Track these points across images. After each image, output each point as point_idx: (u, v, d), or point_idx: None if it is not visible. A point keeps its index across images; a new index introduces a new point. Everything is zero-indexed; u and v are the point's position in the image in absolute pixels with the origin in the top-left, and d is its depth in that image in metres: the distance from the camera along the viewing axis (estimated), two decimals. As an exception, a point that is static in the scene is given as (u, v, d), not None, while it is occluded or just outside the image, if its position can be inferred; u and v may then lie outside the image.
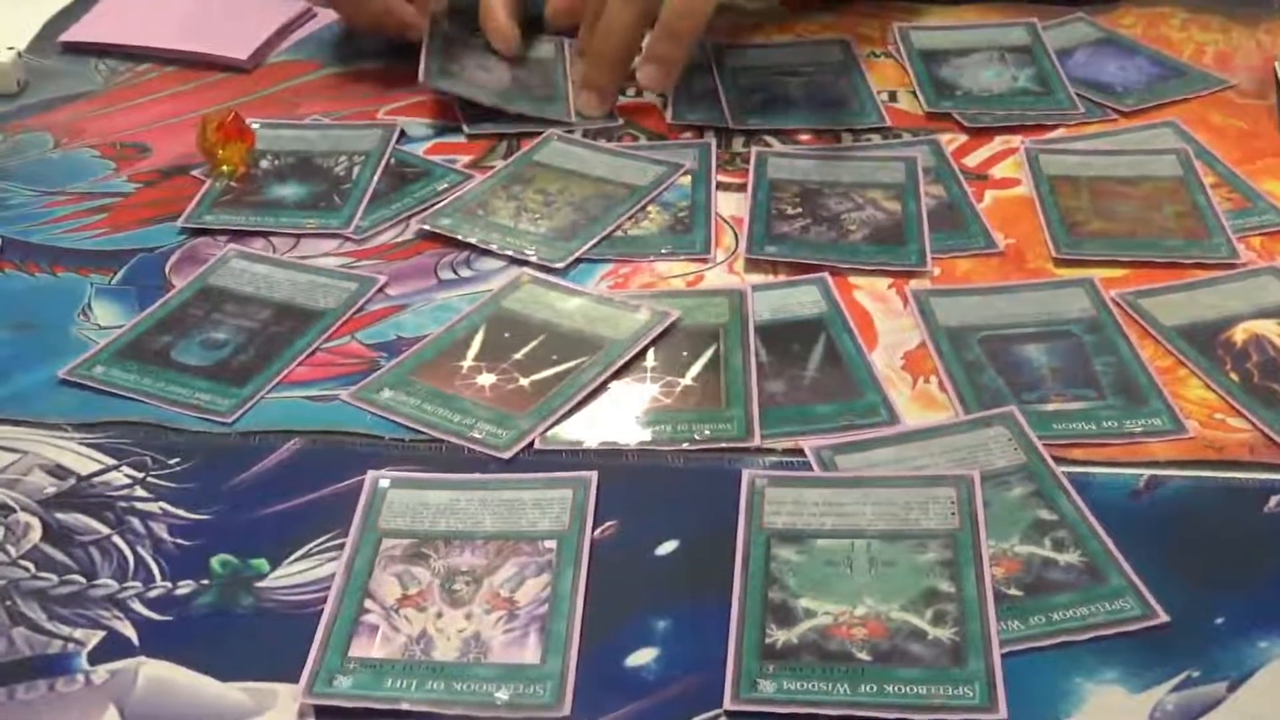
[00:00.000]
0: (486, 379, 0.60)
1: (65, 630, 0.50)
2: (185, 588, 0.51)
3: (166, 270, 0.68)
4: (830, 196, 0.72)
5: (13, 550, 0.53)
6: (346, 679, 0.48)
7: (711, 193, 0.73)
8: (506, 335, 0.63)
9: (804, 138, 0.78)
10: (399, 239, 0.70)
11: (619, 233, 0.70)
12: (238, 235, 0.70)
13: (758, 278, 0.67)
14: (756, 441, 0.57)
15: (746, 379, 0.60)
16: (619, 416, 0.58)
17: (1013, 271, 0.67)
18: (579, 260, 0.68)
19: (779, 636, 0.48)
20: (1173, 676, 0.47)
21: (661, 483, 0.56)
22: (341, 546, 0.53)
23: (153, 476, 0.56)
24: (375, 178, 0.74)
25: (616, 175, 0.74)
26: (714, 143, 0.77)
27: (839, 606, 0.49)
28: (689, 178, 0.74)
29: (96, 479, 0.56)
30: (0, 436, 0.58)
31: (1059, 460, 0.55)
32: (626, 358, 0.61)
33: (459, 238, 0.69)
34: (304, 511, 0.54)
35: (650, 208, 0.72)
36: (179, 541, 0.53)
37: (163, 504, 0.55)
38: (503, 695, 0.47)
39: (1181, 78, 0.82)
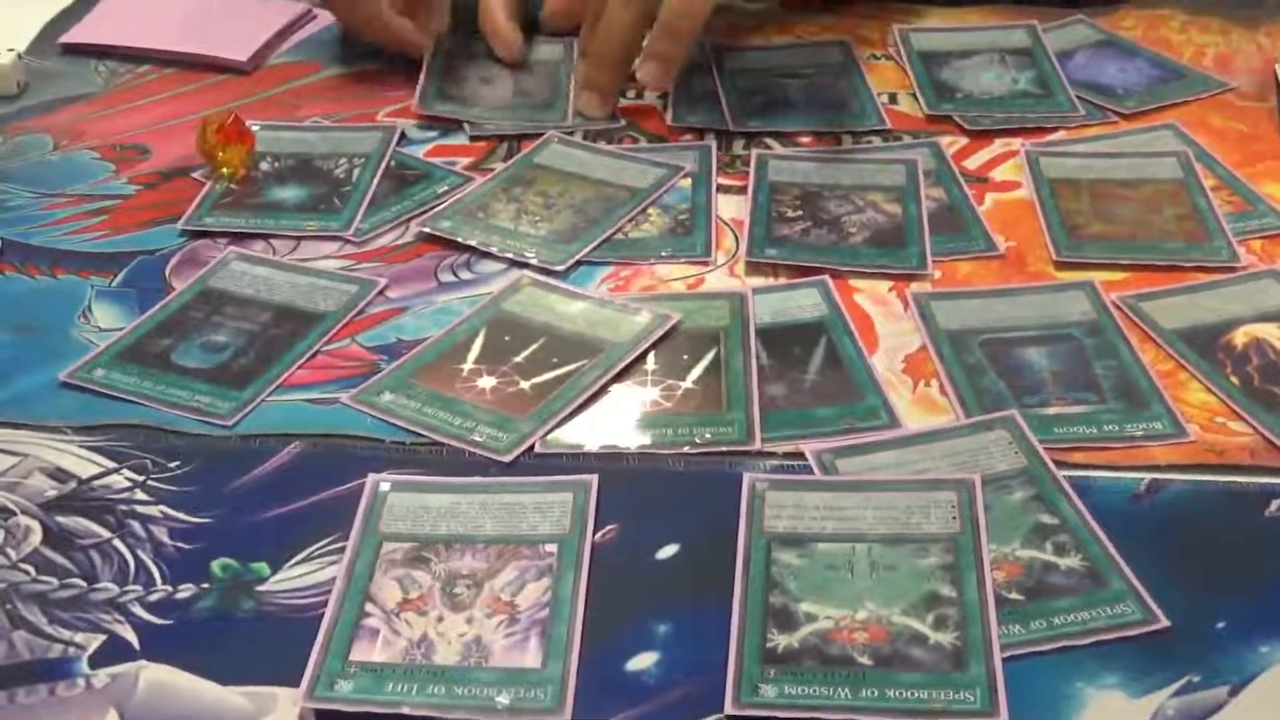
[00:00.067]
0: (487, 382, 0.60)
1: (66, 634, 0.50)
2: (186, 591, 0.51)
3: (167, 273, 0.68)
4: (831, 199, 0.72)
5: (13, 553, 0.53)
6: (347, 683, 0.48)
7: (712, 195, 0.73)
8: (507, 338, 0.63)
9: (804, 140, 0.78)
10: (399, 241, 0.70)
11: (619, 235, 0.70)
12: (238, 237, 0.70)
13: (758, 280, 0.67)
14: (757, 445, 0.57)
15: (747, 382, 0.60)
16: (620, 420, 0.58)
17: (1013, 274, 0.67)
18: (579, 263, 0.68)
19: (780, 641, 0.48)
20: (1174, 681, 0.47)
21: (662, 486, 0.56)
22: (342, 550, 0.53)
23: (153, 480, 0.56)
24: (375, 180, 0.74)
25: (617, 177, 0.74)
26: (714, 145, 0.77)
27: (840, 611, 0.49)
28: (689, 180, 0.74)
29: (97, 482, 0.56)
30: (0, 439, 0.58)
31: (1060, 464, 0.55)
32: (627, 361, 0.61)
33: (459, 240, 0.69)
34: (305, 515, 0.54)
35: (650, 210, 0.72)
36: (179, 545, 0.53)
37: (163, 507, 0.55)
38: (503, 699, 0.47)
39: (1181, 80, 0.82)
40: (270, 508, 0.55)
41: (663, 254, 0.69)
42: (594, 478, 0.55)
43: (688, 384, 0.60)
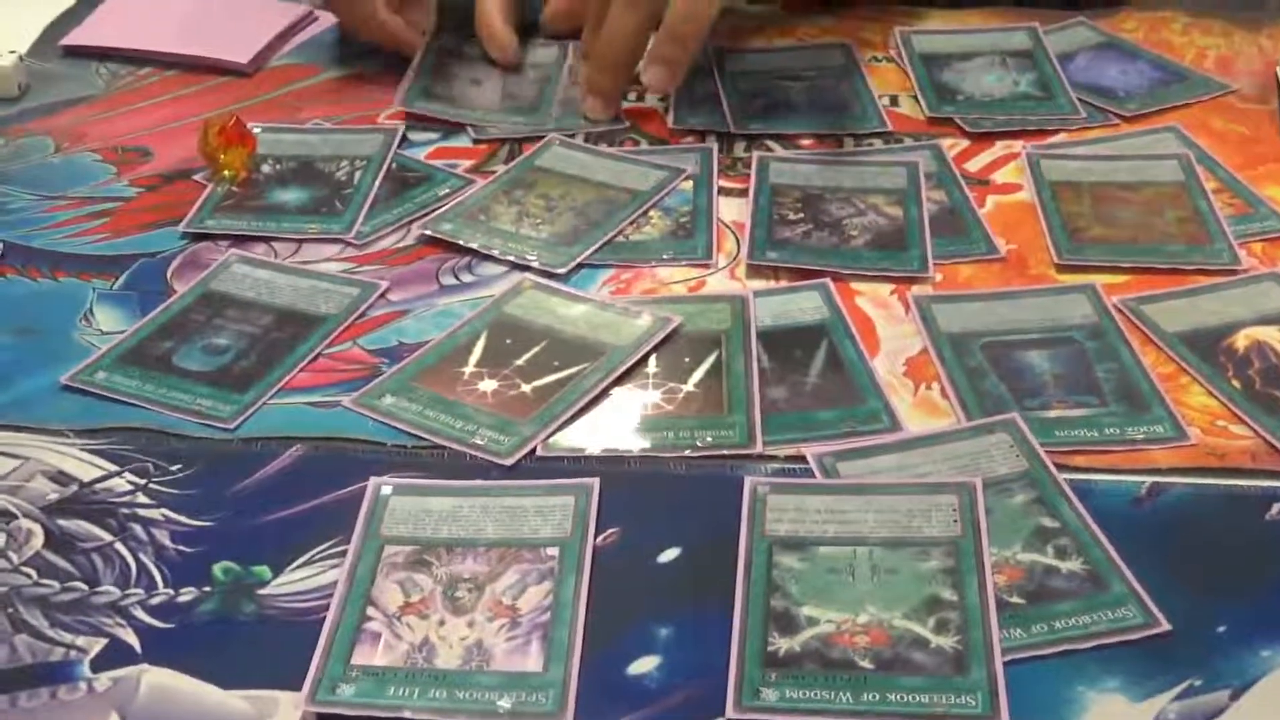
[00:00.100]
0: (488, 385, 0.60)
1: (67, 638, 0.50)
2: (187, 595, 0.51)
3: (168, 275, 0.68)
4: (832, 202, 0.72)
5: (15, 557, 0.53)
6: (349, 687, 0.48)
7: (713, 198, 0.73)
8: (508, 341, 0.63)
9: (805, 142, 0.78)
10: (400, 244, 0.70)
11: (620, 238, 0.70)
12: (239, 240, 0.70)
13: (759, 283, 0.67)
14: (758, 448, 0.57)
15: (748, 385, 0.60)
16: (621, 423, 0.58)
17: (1014, 277, 0.67)
18: (580, 265, 0.68)
19: (781, 644, 0.48)
20: (1175, 685, 0.47)
21: (663, 490, 0.56)
22: (344, 554, 0.53)
23: (155, 483, 0.56)
24: (377, 182, 0.74)
25: (618, 180, 0.74)
26: (715, 147, 0.77)
27: (841, 614, 0.49)
28: (690, 183, 0.74)
29: (98, 485, 0.56)
30: (2, 443, 0.58)
31: (1061, 467, 0.55)
32: (628, 364, 0.61)
33: (460, 243, 0.69)
34: (306, 518, 0.54)
35: (652, 213, 0.72)
36: (181, 548, 0.53)
37: (165, 510, 0.55)
38: (505, 703, 0.47)
39: (1183, 82, 0.82)
40: (272, 511, 0.55)
41: (664, 257, 0.69)
42: (595, 481, 0.55)
43: (689, 387, 0.60)
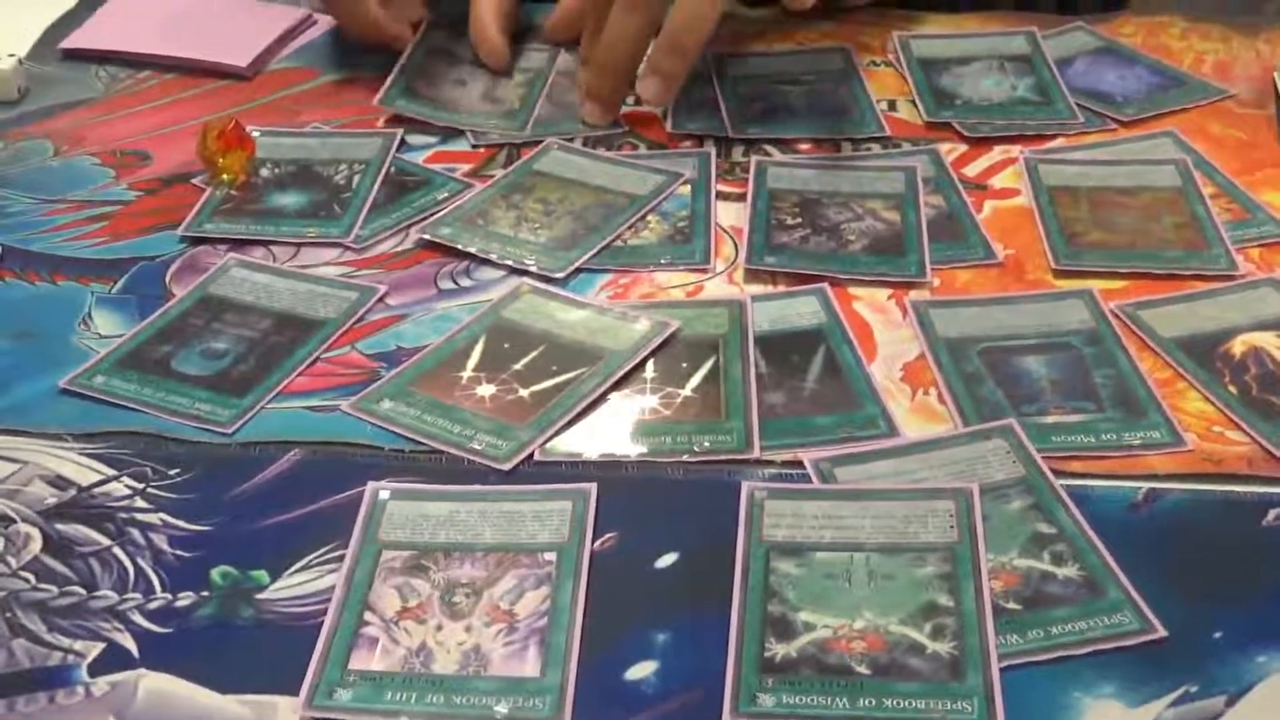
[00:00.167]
0: (486, 390, 0.60)
1: (65, 642, 0.50)
2: (185, 599, 0.52)
3: (167, 279, 0.68)
4: (830, 206, 0.72)
5: (13, 561, 0.53)
6: (346, 692, 0.48)
7: (711, 202, 0.73)
8: (506, 346, 0.63)
9: (803, 147, 0.78)
10: (399, 248, 0.70)
11: (619, 242, 0.70)
12: (238, 244, 0.70)
13: (757, 288, 0.67)
14: (756, 453, 0.57)
15: (746, 390, 0.60)
16: (618, 428, 0.58)
17: (1012, 283, 0.67)
18: (579, 270, 0.68)
19: (778, 650, 0.48)
20: (1171, 691, 0.47)
21: (661, 495, 0.56)
22: (341, 558, 0.53)
23: (153, 487, 0.56)
24: (375, 186, 0.74)
25: (616, 184, 0.74)
26: (714, 152, 0.77)
27: (838, 620, 0.49)
28: (688, 187, 0.74)
29: (97, 490, 0.56)
30: (0, 447, 0.58)
31: (1058, 473, 0.56)
32: (626, 369, 0.61)
33: (459, 247, 0.69)
34: (304, 523, 0.55)
35: (650, 217, 0.72)
36: (179, 553, 0.53)
37: (163, 515, 0.55)
38: (502, 709, 0.47)
39: (1181, 87, 0.82)
40: (270, 515, 0.55)
41: (662, 261, 0.69)
42: (593, 486, 0.55)
43: (686, 392, 0.60)
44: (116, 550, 0.54)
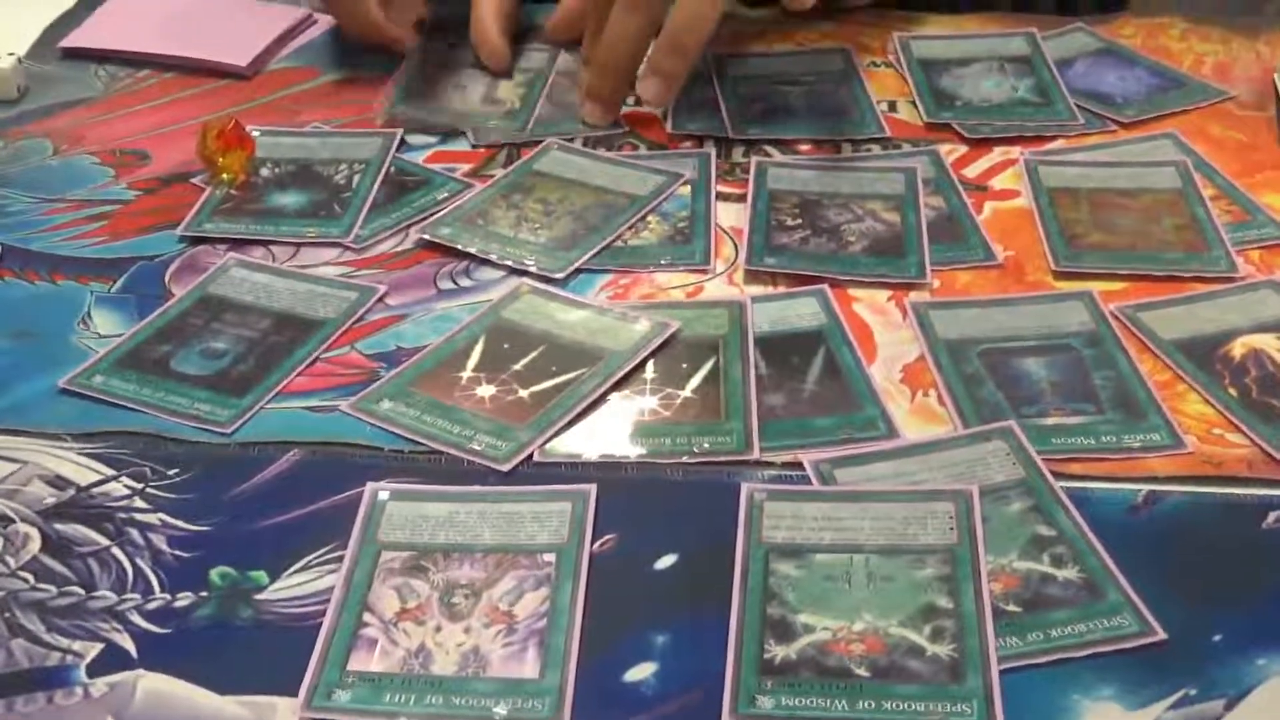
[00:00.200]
0: (486, 390, 0.60)
1: (64, 642, 0.50)
2: (184, 600, 0.52)
3: (166, 279, 0.68)
4: (830, 207, 0.72)
5: (12, 561, 0.53)
6: (345, 693, 0.48)
7: (711, 203, 0.73)
8: (506, 346, 0.63)
9: (804, 148, 0.78)
10: (399, 248, 0.70)
11: (619, 243, 0.70)
12: (237, 244, 0.70)
13: (757, 289, 0.67)
14: (755, 455, 0.57)
15: (746, 391, 0.60)
16: (618, 429, 0.58)
17: (1012, 284, 0.67)
18: (578, 270, 0.68)
19: (777, 652, 0.48)
20: (1170, 694, 0.47)
21: (660, 496, 0.56)
22: (341, 559, 0.53)
23: (152, 487, 0.56)
24: (375, 186, 0.74)
25: (616, 185, 0.74)
26: (714, 152, 0.77)
27: (837, 622, 0.49)
28: (689, 188, 0.74)
29: (96, 490, 0.56)
30: (0, 446, 0.58)
31: (1057, 475, 0.55)
32: (626, 369, 0.61)
33: (459, 247, 0.69)
34: (303, 523, 0.54)
35: (650, 218, 0.72)
36: (178, 553, 0.53)
37: (162, 515, 0.55)
38: (501, 710, 0.47)
39: (1181, 89, 0.82)
40: (269, 516, 0.55)
41: (662, 262, 0.69)
42: (592, 487, 0.55)
43: (686, 393, 0.60)
44: (115, 550, 0.54)
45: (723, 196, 0.73)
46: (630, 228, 0.71)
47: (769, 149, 0.78)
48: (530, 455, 0.57)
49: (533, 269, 0.68)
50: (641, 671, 0.48)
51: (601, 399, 0.60)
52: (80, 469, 0.57)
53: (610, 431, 0.58)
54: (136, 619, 0.51)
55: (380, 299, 0.66)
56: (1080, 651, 0.48)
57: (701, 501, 0.55)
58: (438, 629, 0.50)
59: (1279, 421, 0.58)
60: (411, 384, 0.61)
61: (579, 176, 0.75)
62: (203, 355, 0.63)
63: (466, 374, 0.61)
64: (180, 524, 0.55)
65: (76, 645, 0.50)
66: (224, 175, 0.74)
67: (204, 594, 0.52)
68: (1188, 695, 0.47)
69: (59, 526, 0.55)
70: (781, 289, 0.67)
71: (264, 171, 0.76)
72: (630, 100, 0.80)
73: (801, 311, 0.65)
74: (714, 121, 0.80)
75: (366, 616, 0.50)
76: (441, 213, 0.72)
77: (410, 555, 0.53)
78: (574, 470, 0.57)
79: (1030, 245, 0.69)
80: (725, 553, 0.52)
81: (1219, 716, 0.47)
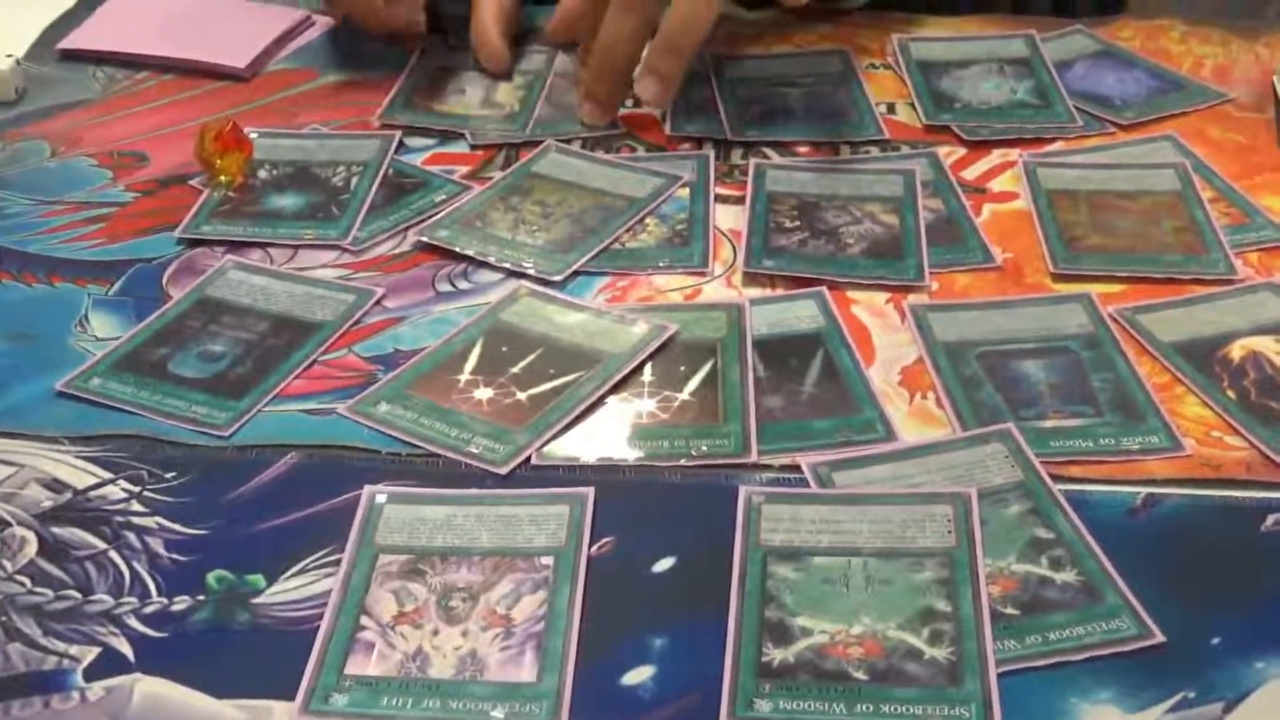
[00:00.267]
0: (484, 393, 0.60)
1: (61, 646, 0.50)
2: (181, 604, 0.51)
3: (164, 281, 0.68)
4: (828, 210, 0.72)
5: (8, 565, 0.53)
6: (342, 697, 0.48)
7: (710, 205, 0.73)
8: (504, 349, 0.63)
9: (802, 150, 0.78)
10: (397, 250, 0.70)
11: (617, 245, 0.70)
12: (235, 246, 0.70)
13: (755, 291, 0.67)
14: (753, 457, 0.57)
15: (744, 394, 0.60)
16: (616, 432, 0.58)
17: (1010, 286, 0.67)
18: (576, 273, 0.68)
19: (775, 655, 0.48)
20: (1168, 697, 0.47)
21: (658, 499, 0.56)
22: (338, 562, 0.53)
23: (149, 491, 0.56)
24: (373, 188, 0.74)
25: (615, 187, 0.74)
26: (712, 154, 0.77)
27: (835, 625, 0.49)
28: (687, 190, 0.74)
29: (92, 493, 0.56)
30: (-4, 449, 0.58)
31: (1056, 478, 0.55)
32: (624, 372, 0.61)
33: (457, 249, 0.69)
34: (301, 527, 0.54)
35: (648, 220, 0.72)
36: (175, 557, 0.53)
37: (159, 518, 0.55)
38: (498, 714, 0.47)
39: (1180, 91, 0.82)
40: (266, 519, 0.55)
41: (660, 264, 0.69)
42: (590, 490, 0.55)
43: (684, 396, 0.60)
44: (112, 554, 0.53)
45: (721, 199, 0.73)
46: (628, 230, 0.71)
47: (767, 151, 0.77)
48: (528, 458, 0.57)
49: (531, 271, 0.68)
50: (639, 675, 0.48)
51: (599, 402, 0.60)
52: (77, 472, 0.57)
53: (608, 434, 0.58)
54: (133, 622, 0.51)
55: (378, 301, 0.66)
56: (1079, 654, 0.48)
57: (699, 504, 0.55)
58: (435, 632, 0.50)
59: (1278, 424, 0.58)
60: (409, 387, 0.61)
61: (577, 179, 0.75)
62: (200, 358, 0.63)
63: (464, 377, 0.61)
64: (177, 527, 0.54)
65: (73, 649, 0.50)
66: (222, 177, 0.74)
67: (201, 597, 0.52)
68: (1186, 698, 0.47)
69: (56, 530, 0.54)
70: (780, 291, 0.67)
71: (262, 173, 0.75)
72: (629, 102, 0.80)
73: (800, 314, 0.65)
74: (712, 124, 0.79)
75: (364, 620, 0.50)
76: (439, 215, 0.72)
77: (408, 558, 0.53)
78: (572, 473, 0.56)
79: (1029, 247, 0.69)
80: (723, 556, 0.52)
81: (1217, 719, 0.46)
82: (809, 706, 0.47)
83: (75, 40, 0.88)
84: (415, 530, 0.54)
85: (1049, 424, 0.58)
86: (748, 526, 0.53)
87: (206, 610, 0.51)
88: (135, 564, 0.53)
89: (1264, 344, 0.62)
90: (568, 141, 0.78)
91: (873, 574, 0.51)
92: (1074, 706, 0.47)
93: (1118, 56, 0.86)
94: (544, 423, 0.58)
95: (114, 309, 0.66)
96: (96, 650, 0.50)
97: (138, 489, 0.56)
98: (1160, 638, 0.49)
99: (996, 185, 0.74)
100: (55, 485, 0.56)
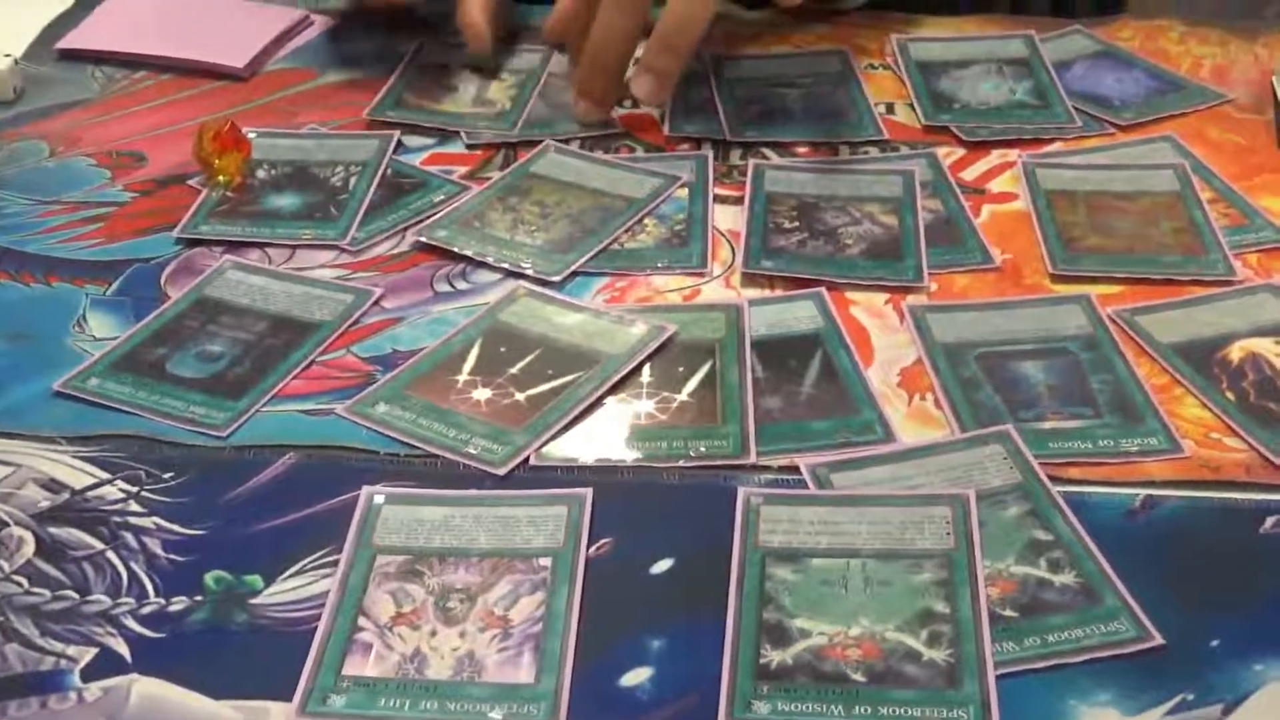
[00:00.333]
0: (482, 393, 0.60)
1: (58, 647, 0.50)
2: (179, 604, 0.51)
3: (162, 281, 0.68)
4: (827, 210, 0.72)
5: (6, 565, 0.53)
6: (340, 698, 0.48)
7: (708, 206, 0.73)
8: (503, 349, 0.62)
9: (801, 150, 0.78)
10: (395, 251, 0.70)
11: (615, 246, 0.70)
12: (233, 246, 0.70)
13: (754, 292, 0.67)
14: (752, 459, 0.57)
15: (742, 395, 0.60)
16: (614, 433, 0.58)
17: (1009, 287, 0.67)
18: (575, 273, 0.68)
19: (773, 657, 0.48)
20: (1167, 699, 0.47)
21: (657, 500, 0.56)
22: (336, 563, 0.52)
23: (147, 491, 0.56)
24: (372, 188, 0.74)
25: (613, 187, 0.74)
26: (711, 155, 0.77)
27: (834, 627, 0.49)
28: (686, 190, 0.74)
29: (90, 493, 0.56)
30: (-6, 449, 0.58)
31: (1055, 479, 0.55)
32: (623, 373, 0.61)
33: (455, 250, 0.69)
34: (298, 527, 0.54)
35: (647, 220, 0.72)
36: (172, 557, 0.53)
37: (156, 519, 0.55)
38: (496, 715, 0.47)
39: (1179, 91, 0.82)
40: (264, 520, 0.55)
41: (659, 265, 0.69)
42: (588, 491, 0.55)
43: (683, 397, 0.60)
44: (110, 554, 0.53)
45: (720, 199, 0.73)
46: (627, 230, 0.71)
47: (766, 151, 0.77)
48: (526, 459, 0.57)
49: (529, 272, 0.68)
50: (637, 676, 0.48)
51: (598, 403, 0.60)
52: (75, 472, 0.57)
53: (606, 435, 0.58)
54: (131, 623, 0.51)
55: (376, 302, 0.66)
56: (1077, 657, 0.48)
57: (698, 505, 0.55)
58: (433, 633, 0.50)
59: (1277, 426, 0.58)
60: (407, 387, 0.61)
61: (576, 179, 0.74)
62: (198, 358, 0.63)
63: (463, 377, 0.61)
64: (175, 528, 0.54)
65: (70, 649, 0.50)
66: (220, 177, 0.74)
67: (199, 598, 0.52)
68: (1185, 700, 0.47)
69: (53, 530, 0.54)
70: (778, 292, 0.67)
71: (260, 173, 0.75)
72: (628, 102, 0.80)
73: (798, 314, 0.65)
74: (711, 124, 0.79)
75: (361, 621, 0.50)
76: (438, 215, 0.72)
77: (405, 559, 0.53)
78: (570, 474, 0.56)
79: (1028, 248, 0.69)
80: (721, 557, 0.52)
81: (1216, 722, 0.47)
82: (807, 708, 0.47)
83: (73, 40, 0.88)
84: (413, 531, 0.54)
85: (1048, 425, 0.58)
86: (746, 528, 0.53)
87: (204, 611, 0.51)
88: (133, 564, 0.53)
89: (1263, 345, 0.62)
90: (566, 141, 0.78)
91: (871, 575, 0.51)
92: (1073, 709, 0.47)
93: (1117, 57, 0.86)
94: (542, 423, 0.58)
95: (112, 309, 0.66)
96: (94, 651, 0.50)
97: (135, 489, 0.56)
98: (1159, 640, 0.49)
99: (995, 186, 0.74)
100: (53, 485, 0.56)
